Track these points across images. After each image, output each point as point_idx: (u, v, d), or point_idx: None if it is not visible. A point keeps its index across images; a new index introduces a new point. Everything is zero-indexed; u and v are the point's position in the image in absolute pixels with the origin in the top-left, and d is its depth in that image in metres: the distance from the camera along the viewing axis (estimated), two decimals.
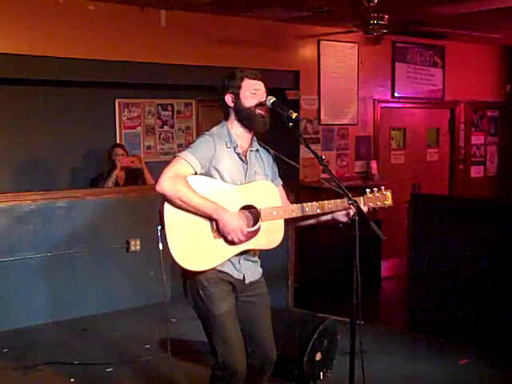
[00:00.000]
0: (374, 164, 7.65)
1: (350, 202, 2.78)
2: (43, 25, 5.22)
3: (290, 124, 2.85)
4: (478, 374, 4.21)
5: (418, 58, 8.07)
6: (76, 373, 4.12)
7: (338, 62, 7.28)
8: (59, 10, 5.28)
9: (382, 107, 7.80)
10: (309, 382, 3.89)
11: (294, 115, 2.84)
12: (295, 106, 6.75)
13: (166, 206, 2.70)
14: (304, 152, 6.58)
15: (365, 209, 2.93)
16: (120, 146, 6.04)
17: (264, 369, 2.97)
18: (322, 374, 3.98)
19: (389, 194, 3.01)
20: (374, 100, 7.69)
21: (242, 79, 2.88)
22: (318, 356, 3.93)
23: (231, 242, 2.75)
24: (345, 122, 7.46)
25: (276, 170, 3.08)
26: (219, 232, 2.74)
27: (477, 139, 8.95)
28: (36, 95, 5.81)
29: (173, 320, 5.17)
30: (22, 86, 5.66)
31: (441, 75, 8.31)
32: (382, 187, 3.03)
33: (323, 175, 6.78)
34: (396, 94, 7.90)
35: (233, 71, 2.93)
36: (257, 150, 2.98)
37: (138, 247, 5.68)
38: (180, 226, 2.72)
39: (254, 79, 2.90)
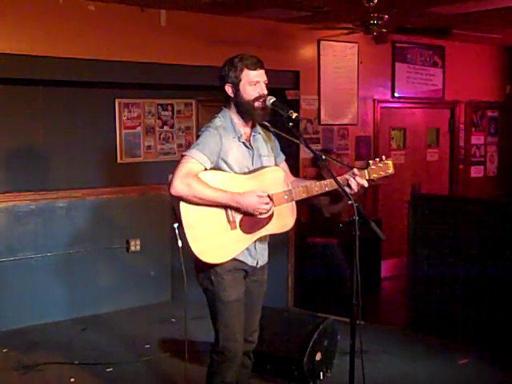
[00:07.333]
0: None
1: (350, 202, 2.78)
2: (43, 25, 5.21)
3: (290, 124, 2.85)
4: (477, 374, 4.22)
5: (418, 58, 8.06)
6: (76, 373, 4.13)
7: (337, 62, 7.27)
8: (59, 10, 5.27)
9: (382, 107, 7.79)
10: (309, 382, 3.90)
11: (294, 115, 2.84)
12: (295, 106, 6.74)
13: (182, 204, 2.73)
14: (304, 152, 6.57)
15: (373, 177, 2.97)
16: None
17: (248, 349, 3.06)
18: (322, 373, 3.98)
19: (390, 162, 3.02)
20: (374, 100, 7.68)
21: (241, 70, 2.86)
22: (318, 356, 3.93)
23: (257, 223, 2.80)
24: (345, 122, 7.45)
25: (277, 144, 3.11)
26: (236, 222, 2.78)
27: (477, 139, 8.94)
28: (36, 95, 5.80)
29: (173, 320, 5.18)
30: (22, 86, 5.65)
31: (441, 75, 8.30)
32: (383, 156, 3.04)
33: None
34: (396, 94, 7.89)
35: (232, 60, 2.90)
36: (259, 133, 3.00)
37: (138, 247, 5.69)
38: (197, 222, 2.75)
39: (254, 70, 2.87)
